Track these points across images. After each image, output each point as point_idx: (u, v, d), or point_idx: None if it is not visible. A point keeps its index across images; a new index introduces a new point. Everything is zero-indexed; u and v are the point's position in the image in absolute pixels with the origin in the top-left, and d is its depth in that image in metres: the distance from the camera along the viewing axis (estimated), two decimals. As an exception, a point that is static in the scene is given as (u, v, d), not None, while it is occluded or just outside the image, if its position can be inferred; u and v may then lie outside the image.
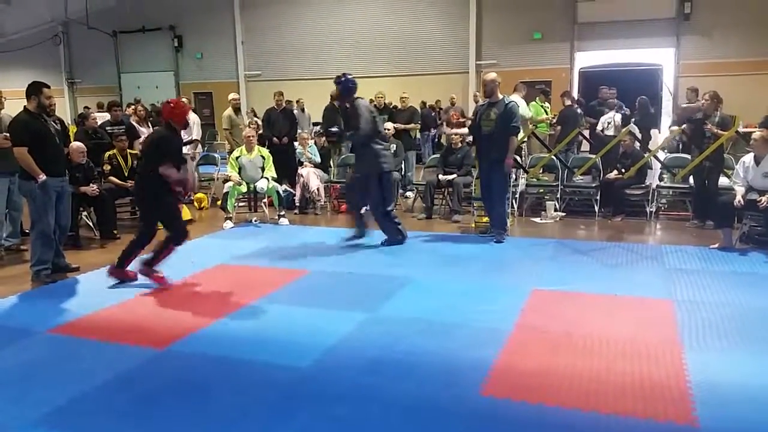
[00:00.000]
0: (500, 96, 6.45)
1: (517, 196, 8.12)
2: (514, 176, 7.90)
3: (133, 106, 10.85)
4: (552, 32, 15.95)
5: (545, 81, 14.58)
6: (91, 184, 6.91)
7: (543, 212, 8.03)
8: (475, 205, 7.60)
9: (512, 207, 7.87)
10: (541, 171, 8.66)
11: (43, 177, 5.18)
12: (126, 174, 7.49)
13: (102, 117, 9.72)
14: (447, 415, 2.97)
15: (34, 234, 5.39)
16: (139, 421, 2.96)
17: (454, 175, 8.09)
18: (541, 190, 8.61)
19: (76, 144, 6.92)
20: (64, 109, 20.60)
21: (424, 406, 3.05)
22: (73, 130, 9.27)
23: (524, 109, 9.12)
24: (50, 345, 3.97)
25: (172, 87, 20.09)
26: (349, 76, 6.55)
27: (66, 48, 21.52)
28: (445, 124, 12.26)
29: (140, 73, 20.60)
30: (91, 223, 7.33)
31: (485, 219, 7.02)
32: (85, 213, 7.25)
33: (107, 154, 7.57)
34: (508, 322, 4.18)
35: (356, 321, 4.25)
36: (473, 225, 7.42)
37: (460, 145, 8.42)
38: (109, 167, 7.48)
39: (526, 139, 8.98)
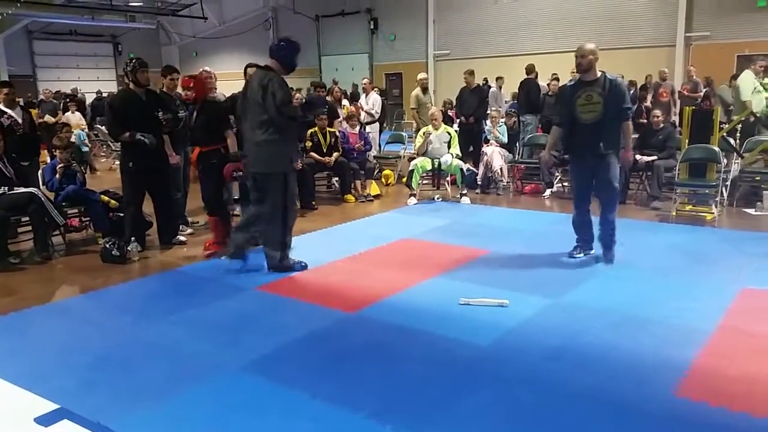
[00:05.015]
0: (598, 73, 4.89)
1: (728, 183, 7.27)
2: (725, 161, 7.10)
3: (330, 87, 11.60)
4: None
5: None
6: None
7: (759, 203, 7.11)
8: (678, 191, 6.96)
9: (722, 196, 7.09)
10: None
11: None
12: (324, 150, 8.04)
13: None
14: (636, 412, 2.80)
15: (242, 200, 6.09)
16: (330, 377, 3.21)
17: (654, 157, 7.46)
18: (758, 178, 7.62)
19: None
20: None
21: (612, 400, 2.91)
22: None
23: (745, 90, 8.18)
24: (258, 300, 4.46)
25: (366, 68, 21.06)
26: None
27: (274, 32, 23.55)
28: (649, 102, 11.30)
29: (338, 55, 21.85)
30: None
31: (689, 207, 6.40)
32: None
33: (309, 131, 8.19)
34: (710, 321, 3.81)
35: (538, 305, 4.16)
36: (674, 213, 6.81)
37: (662, 125, 7.73)
38: (310, 144, 8.08)
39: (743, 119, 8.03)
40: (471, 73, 9.64)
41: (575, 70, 5.06)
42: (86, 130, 12.82)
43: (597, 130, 4.85)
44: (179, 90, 6.63)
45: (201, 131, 5.62)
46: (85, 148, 12.06)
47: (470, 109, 9.25)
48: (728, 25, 14.63)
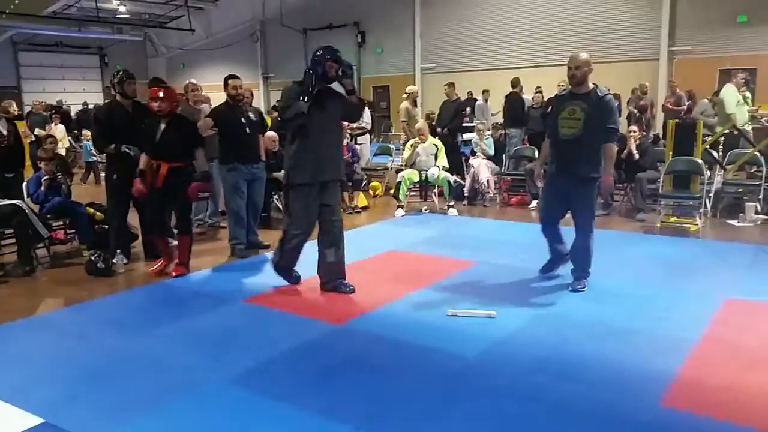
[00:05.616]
0: (590, 86, 4.55)
1: (712, 195, 7.37)
2: (708, 174, 7.20)
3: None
4: (761, 14, 14.13)
5: (749, 69, 13.04)
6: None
7: (741, 214, 7.21)
8: (662, 202, 7.05)
9: (706, 207, 7.18)
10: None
11: None
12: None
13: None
14: (622, 423, 2.81)
15: (228, 213, 6.06)
16: (317, 389, 3.20)
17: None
18: (740, 190, 7.74)
19: (269, 133, 7.56)
20: (259, 102, 22.66)
21: (597, 412, 2.92)
22: (268, 121, 10.19)
23: (730, 103, 8.33)
24: (244, 313, 4.43)
25: (354, 81, 21.10)
26: None
27: (261, 45, 23.59)
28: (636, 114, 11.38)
29: (325, 68, 21.85)
30: (281, 206, 7.99)
31: (673, 219, 6.47)
32: (276, 196, 7.91)
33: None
34: (694, 332, 3.85)
35: (525, 317, 4.18)
36: (658, 224, 6.89)
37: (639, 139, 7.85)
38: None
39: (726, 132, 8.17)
40: (450, 85, 9.75)
41: (568, 83, 4.72)
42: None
43: (575, 148, 4.51)
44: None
45: (169, 146, 5.25)
46: (93, 158, 11.98)
47: (444, 120, 9.32)
48: (710, 40, 14.89)
